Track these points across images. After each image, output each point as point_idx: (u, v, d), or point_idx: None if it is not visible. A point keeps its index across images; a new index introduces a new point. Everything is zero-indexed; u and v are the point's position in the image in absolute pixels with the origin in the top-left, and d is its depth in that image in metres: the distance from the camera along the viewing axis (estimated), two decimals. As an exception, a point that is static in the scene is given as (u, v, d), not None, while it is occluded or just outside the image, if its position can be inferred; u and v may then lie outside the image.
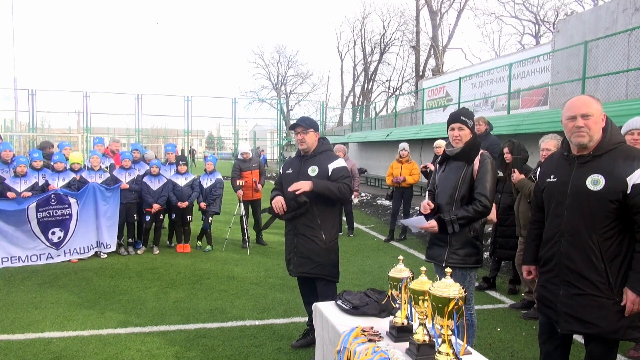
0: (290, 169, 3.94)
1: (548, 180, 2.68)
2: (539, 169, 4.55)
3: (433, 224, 3.22)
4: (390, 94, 41.10)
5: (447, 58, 47.94)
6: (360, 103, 41.21)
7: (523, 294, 5.31)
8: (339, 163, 3.78)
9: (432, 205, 3.33)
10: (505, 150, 5.48)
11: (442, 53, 30.01)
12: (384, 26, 41.09)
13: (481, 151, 3.33)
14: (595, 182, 2.42)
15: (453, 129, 3.33)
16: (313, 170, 3.76)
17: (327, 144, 3.94)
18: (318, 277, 3.77)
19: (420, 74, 30.74)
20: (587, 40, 9.81)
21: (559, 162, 2.67)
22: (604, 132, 2.48)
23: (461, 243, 3.28)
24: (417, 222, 3.30)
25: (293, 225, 3.83)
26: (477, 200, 3.17)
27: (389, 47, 41.37)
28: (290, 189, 3.61)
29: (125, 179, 7.44)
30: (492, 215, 3.52)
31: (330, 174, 3.73)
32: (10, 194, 6.60)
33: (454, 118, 3.34)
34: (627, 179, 2.34)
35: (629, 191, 2.34)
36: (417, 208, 3.78)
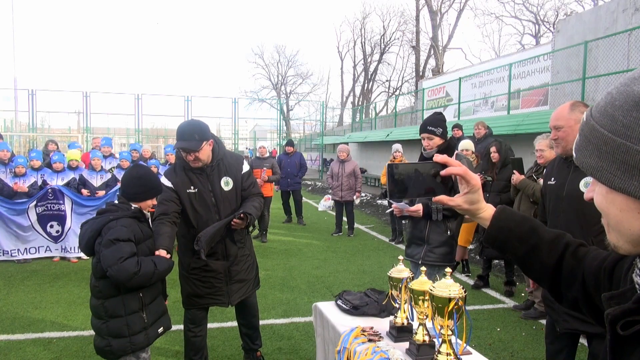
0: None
1: (549, 182, 2.76)
2: (544, 169, 4.59)
3: (418, 207, 3.36)
4: (390, 94, 41.09)
5: (447, 58, 47.93)
6: (360, 103, 41.20)
7: (527, 295, 5.31)
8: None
9: (400, 211, 3.45)
10: (493, 149, 5.56)
11: (442, 53, 30.01)
12: (384, 26, 41.05)
13: (456, 152, 3.48)
14: (588, 184, 2.47)
15: (423, 139, 3.47)
16: (227, 183, 3.31)
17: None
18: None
19: (420, 74, 30.74)
20: (587, 40, 9.81)
21: (560, 166, 2.74)
22: None
23: (439, 242, 3.42)
24: (404, 206, 3.46)
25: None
26: None
27: (389, 47, 41.35)
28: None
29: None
30: None
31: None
32: (19, 187, 6.74)
33: (421, 128, 3.47)
34: None
35: None
36: None
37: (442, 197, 1.18)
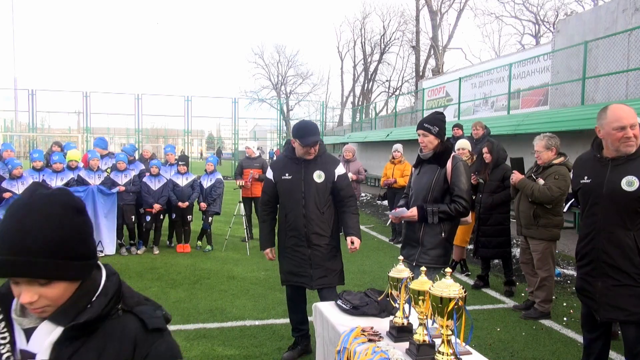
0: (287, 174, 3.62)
1: (582, 181, 2.88)
2: (543, 169, 4.61)
3: (413, 212, 3.38)
4: (390, 94, 41.08)
5: (447, 58, 47.84)
6: (360, 103, 41.19)
7: (527, 295, 5.30)
8: (342, 169, 3.69)
9: (397, 219, 3.57)
10: (485, 150, 5.54)
11: (442, 53, 30.01)
12: (384, 26, 41.02)
13: (453, 154, 3.46)
14: (630, 183, 2.63)
15: (419, 135, 3.47)
16: (319, 176, 3.58)
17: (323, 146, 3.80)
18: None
19: (420, 74, 30.73)
20: (587, 40, 9.81)
21: (592, 164, 2.87)
22: None
23: (433, 244, 3.41)
24: (400, 213, 3.50)
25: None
26: (457, 202, 3.31)
27: (389, 47, 41.35)
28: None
29: (121, 181, 7.42)
30: (467, 216, 3.58)
31: (335, 179, 3.61)
32: (6, 195, 6.54)
33: (418, 125, 3.50)
34: None
35: None
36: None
37: None
